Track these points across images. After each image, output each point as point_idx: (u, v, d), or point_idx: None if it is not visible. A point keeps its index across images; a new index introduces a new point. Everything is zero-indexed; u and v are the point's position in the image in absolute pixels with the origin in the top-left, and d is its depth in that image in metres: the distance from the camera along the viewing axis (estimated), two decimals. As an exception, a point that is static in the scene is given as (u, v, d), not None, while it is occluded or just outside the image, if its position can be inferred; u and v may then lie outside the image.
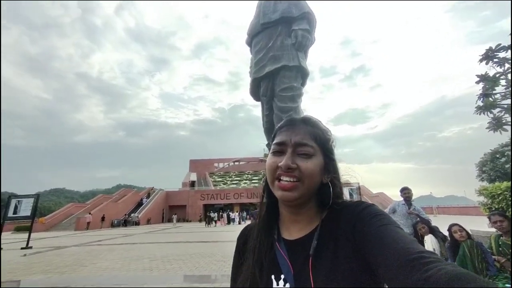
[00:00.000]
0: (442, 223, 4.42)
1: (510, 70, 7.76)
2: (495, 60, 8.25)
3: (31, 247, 10.16)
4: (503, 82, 8.03)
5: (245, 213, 31.29)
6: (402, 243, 0.44)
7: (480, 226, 6.16)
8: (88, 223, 24.98)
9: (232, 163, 58.28)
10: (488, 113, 8.13)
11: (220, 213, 28.74)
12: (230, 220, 26.91)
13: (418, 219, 3.90)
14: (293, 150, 0.60)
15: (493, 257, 2.88)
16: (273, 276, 0.58)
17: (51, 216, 27.47)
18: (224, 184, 45.88)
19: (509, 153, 8.44)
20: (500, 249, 2.92)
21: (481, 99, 8.27)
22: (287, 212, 0.65)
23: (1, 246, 9.91)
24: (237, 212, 31.36)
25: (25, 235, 11.23)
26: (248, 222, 17.09)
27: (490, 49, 8.37)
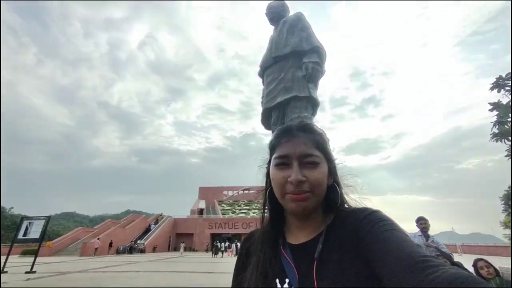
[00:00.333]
0: (467, 262, 4.04)
1: None
2: (506, 88, 8.23)
3: (35, 272, 10.00)
4: None
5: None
6: (406, 247, 0.45)
7: (508, 263, 5.58)
8: (96, 248, 24.55)
9: (242, 192, 57.43)
10: (506, 140, 7.91)
11: (228, 244, 27.66)
12: (237, 251, 25.75)
13: (438, 252, 3.58)
14: (300, 162, 0.60)
15: None
16: (277, 280, 0.58)
17: (58, 240, 27.28)
18: (232, 212, 44.80)
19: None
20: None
21: (496, 126, 8.13)
22: (295, 220, 0.65)
23: (5, 270, 9.85)
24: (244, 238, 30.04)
25: (31, 259, 11.14)
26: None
27: (500, 77, 8.42)
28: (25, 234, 11.31)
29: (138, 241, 31.06)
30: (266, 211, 0.72)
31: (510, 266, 4.57)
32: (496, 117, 8.27)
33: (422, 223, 3.97)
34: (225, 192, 58.25)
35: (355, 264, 0.51)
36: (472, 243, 34.68)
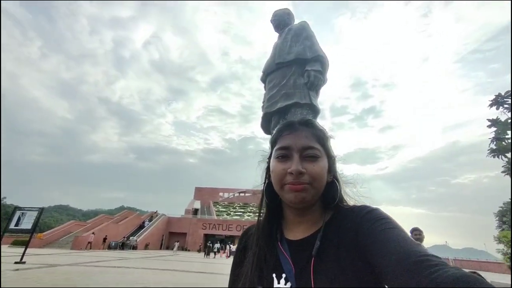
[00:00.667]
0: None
1: None
2: (505, 105, 8.39)
3: (24, 262, 9.90)
4: None
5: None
6: (406, 246, 0.44)
7: (501, 279, 5.63)
8: (90, 243, 24.30)
9: (237, 194, 57.23)
10: (503, 157, 8.04)
11: (221, 245, 27.49)
12: (231, 253, 25.65)
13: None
14: (300, 155, 0.60)
15: None
16: (274, 275, 0.59)
17: (50, 232, 26.99)
18: (227, 214, 44.57)
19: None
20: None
21: (494, 142, 8.27)
22: (293, 214, 0.65)
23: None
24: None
25: (22, 250, 11.03)
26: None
27: (499, 95, 8.58)
28: (17, 224, 11.18)
29: (131, 238, 30.80)
30: (263, 207, 0.71)
31: (503, 282, 4.62)
32: (494, 133, 8.41)
33: (416, 233, 4.01)
34: (220, 194, 58.00)
35: (353, 261, 0.51)
36: (465, 258, 34.68)
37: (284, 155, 0.62)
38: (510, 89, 8.30)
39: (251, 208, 49.84)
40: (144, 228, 33.97)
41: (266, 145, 0.79)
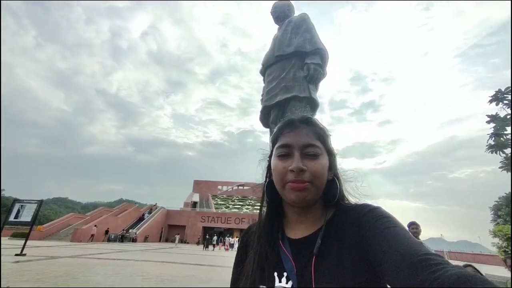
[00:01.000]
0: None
1: None
2: (505, 102, 8.41)
3: (25, 254, 9.98)
4: None
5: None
6: (407, 245, 0.44)
7: (495, 271, 5.75)
8: (93, 235, 24.80)
9: (236, 187, 57.53)
10: (501, 152, 8.11)
11: (220, 238, 27.81)
12: (229, 245, 25.96)
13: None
14: (301, 152, 0.61)
15: None
16: (275, 274, 0.59)
17: (49, 225, 27.17)
18: (226, 207, 44.92)
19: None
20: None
21: (493, 138, 8.33)
22: (294, 213, 0.65)
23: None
24: (237, 237, 30.28)
25: (22, 242, 11.11)
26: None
27: (499, 91, 8.58)
28: (16, 217, 11.23)
29: (130, 230, 31.05)
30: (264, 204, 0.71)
31: (497, 274, 4.72)
32: (493, 129, 8.44)
33: (413, 227, 4.06)
34: (219, 187, 58.30)
35: (355, 260, 0.51)
36: (459, 250, 35.31)
37: (285, 153, 0.62)
38: (510, 85, 8.30)
39: (249, 201, 50.25)
40: (144, 221, 34.20)
41: (265, 139, 0.79)
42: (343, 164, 0.71)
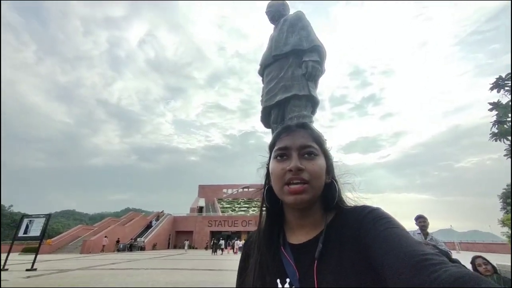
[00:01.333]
0: (465, 259, 4.08)
1: None
2: (506, 88, 8.29)
3: (35, 269, 10.04)
4: None
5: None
6: (407, 245, 0.44)
7: (507, 260, 5.64)
8: (104, 246, 25.37)
9: (241, 190, 57.52)
10: (505, 140, 8.00)
11: (228, 241, 27.77)
12: (239, 249, 25.89)
13: (436, 250, 3.61)
14: (298, 153, 0.62)
15: None
16: (278, 280, 0.59)
17: (58, 238, 27.34)
18: (232, 210, 44.92)
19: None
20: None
21: (496, 126, 8.21)
22: (294, 217, 0.66)
23: (6, 267, 9.88)
24: (245, 240, 30.17)
25: (32, 257, 11.19)
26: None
27: (500, 77, 8.46)
28: (25, 232, 11.34)
29: (138, 239, 31.15)
30: (264, 210, 0.72)
31: (508, 264, 4.62)
32: (495, 116, 8.33)
33: (421, 221, 4.00)
34: (224, 190, 58.35)
35: (356, 263, 0.51)
36: (470, 240, 34.89)
37: (282, 154, 0.64)
38: (510, 71, 8.20)
39: (255, 203, 50.19)
40: (151, 229, 34.30)
41: (267, 139, 0.78)
42: (347, 160, 0.70)
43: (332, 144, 0.73)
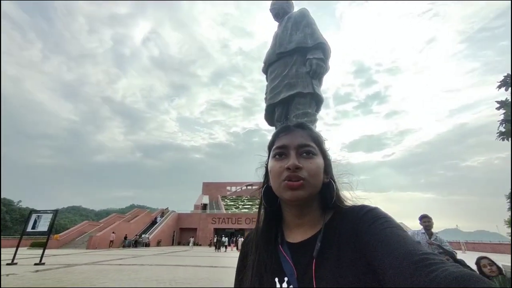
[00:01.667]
0: (471, 259, 4.03)
1: None
2: (514, 86, 8.11)
3: (44, 264, 10.26)
4: None
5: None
6: (406, 245, 0.44)
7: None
8: (112, 241, 25.96)
9: (245, 187, 57.60)
10: None
11: (231, 238, 27.90)
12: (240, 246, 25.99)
13: (441, 250, 3.57)
14: (297, 152, 0.63)
15: None
16: (276, 279, 0.59)
17: (65, 233, 27.84)
18: (236, 208, 45.05)
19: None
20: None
21: (503, 124, 8.04)
22: (292, 216, 0.66)
23: (15, 261, 10.11)
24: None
25: (40, 251, 11.42)
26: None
27: (508, 75, 8.27)
28: (33, 227, 11.59)
29: (143, 235, 31.53)
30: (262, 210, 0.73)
31: (510, 264, 4.54)
32: (503, 115, 8.15)
33: (425, 221, 3.95)
34: (228, 188, 58.51)
35: (354, 262, 0.51)
36: (477, 241, 34.41)
37: (281, 153, 0.64)
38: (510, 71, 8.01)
39: (259, 200, 50.07)
40: (156, 225, 34.67)
41: (270, 137, 0.78)
42: (351, 158, 0.71)
43: (336, 143, 0.73)
